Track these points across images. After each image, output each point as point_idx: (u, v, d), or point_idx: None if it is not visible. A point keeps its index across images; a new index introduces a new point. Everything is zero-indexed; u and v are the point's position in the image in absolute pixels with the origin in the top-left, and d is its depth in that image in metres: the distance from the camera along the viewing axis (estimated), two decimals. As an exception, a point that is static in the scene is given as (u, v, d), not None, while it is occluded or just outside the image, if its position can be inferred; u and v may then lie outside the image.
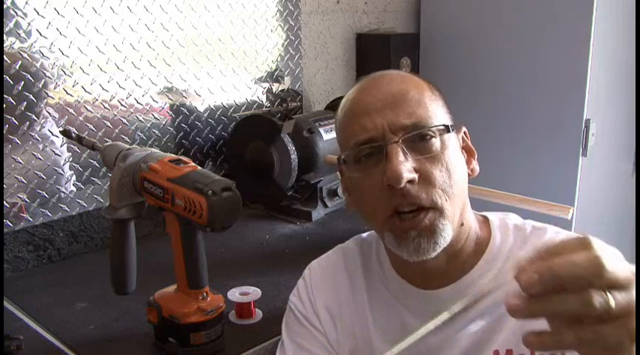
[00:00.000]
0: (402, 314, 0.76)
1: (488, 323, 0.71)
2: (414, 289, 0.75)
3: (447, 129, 0.70)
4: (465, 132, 0.77)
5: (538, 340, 0.45)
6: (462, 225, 0.72)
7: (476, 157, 0.77)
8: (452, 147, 0.70)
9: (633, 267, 0.45)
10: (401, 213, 0.68)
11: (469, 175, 0.75)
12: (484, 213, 0.80)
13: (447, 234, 0.68)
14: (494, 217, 0.79)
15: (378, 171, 0.68)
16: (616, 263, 0.44)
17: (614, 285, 0.43)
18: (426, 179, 0.67)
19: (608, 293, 0.43)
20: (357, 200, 0.74)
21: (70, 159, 1.39)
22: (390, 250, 0.75)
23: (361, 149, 0.70)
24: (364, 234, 0.85)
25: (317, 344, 0.78)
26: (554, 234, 0.75)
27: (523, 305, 0.44)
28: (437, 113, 0.71)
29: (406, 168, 0.66)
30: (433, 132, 0.69)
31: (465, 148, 0.76)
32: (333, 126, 0.79)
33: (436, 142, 0.69)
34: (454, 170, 0.69)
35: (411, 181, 0.66)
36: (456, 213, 0.70)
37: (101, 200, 1.46)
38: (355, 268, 0.82)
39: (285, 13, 1.85)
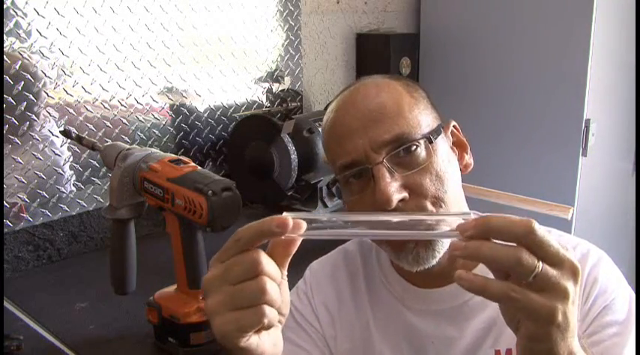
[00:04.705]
0: (403, 313, 0.76)
1: (490, 321, 0.71)
2: (415, 289, 0.76)
3: (430, 139, 0.68)
4: (454, 126, 0.76)
5: (466, 277, 0.48)
6: None
7: (468, 150, 0.76)
8: (440, 151, 0.69)
9: (571, 255, 0.48)
10: None
11: (463, 171, 0.74)
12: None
13: (444, 240, 0.67)
14: None
15: (369, 192, 0.67)
16: (552, 239, 0.47)
17: (545, 257, 0.47)
18: (416, 192, 0.66)
19: (538, 261, 0.46)
20: None
21: (70, 159, 1.39)
22: None
23: (347, 173, 0.69)
24: None
25: (310, 341, 0.78)
26: (557, 237, 0.74)
27: (462, 244, 0.48)
28: (419, 119, 0.69)
29: (394, 188, 0.65)
30: (417, 142, 0.67)
31: (457, 143, 0.75)
32: (324, 146, 0.77)
33: (422, 152, 0.67)
34: (445, 175, 0.68)
35: (402, 200, 0.65)
36: None
37: (101, 200, 1.46)
38: (356, 269, 0.82)
39: (285, 13, 1.85)
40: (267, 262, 0.49)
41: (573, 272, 0.48)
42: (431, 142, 0.68)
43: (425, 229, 0.52)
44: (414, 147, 0.67)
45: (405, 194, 0.66)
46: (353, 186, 0.70)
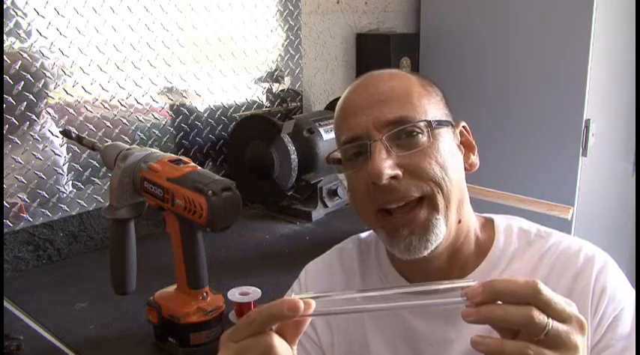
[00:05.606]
0: (401, 314, 0.75)
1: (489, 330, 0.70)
2: None
3: (431, 124, 0.68)
4: (464, 127, 0.75)
5: (483, 341, 0.49)
6: (460, 222, 0.71)
7: (475, 151, 0.76)
8: (443, 141, 0.69)
9: (576, 311, 0.50)
10: (390, 210, 0.67)
11: (467, 170, 0.74)
12: (490, 215, 0.79)
13: (439, 231, 0.67)
14: (499, 220, 0.77)
15: (365, 169, 0.67)
16: (557, 297, 0.48)
17: (554, 315, 0.48)
18: (413, 173, 0.66)
19: (547, 318, 0.48)
20: (350, 199, 0.73)
21: (70, 159, 1.39)
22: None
23: (348, 148, 0.70)
24: (363, 234, 0.85)
25: (300, 348, 0.77)
26: (560, 238, 0.74)
27: (474, 310, 0.49)
28: (427, 108, 0.69)
29: (388, 164, 0.65)
30: (419, 127, 0.67)
31: (464, 143, 0.75)
32: (333, 126, 0.78)
33: (423, 137, 0.67)
34: (446, 164, 0.67)
35: (395, 177, 0.65)
36: (451, 208, 0.68)
37: (101, 200, 1.46)
38: (352, 268, 0.81)
39: (285, 13, 1.85)
40: (279, 344, 0.50)
41: (580, 326, 0.49)
42: (432, 127, 0.68)
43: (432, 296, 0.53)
44: (416, 131, 0.67)
45: (398, 171, 0.65)
46: (353, 162, 0.70)
